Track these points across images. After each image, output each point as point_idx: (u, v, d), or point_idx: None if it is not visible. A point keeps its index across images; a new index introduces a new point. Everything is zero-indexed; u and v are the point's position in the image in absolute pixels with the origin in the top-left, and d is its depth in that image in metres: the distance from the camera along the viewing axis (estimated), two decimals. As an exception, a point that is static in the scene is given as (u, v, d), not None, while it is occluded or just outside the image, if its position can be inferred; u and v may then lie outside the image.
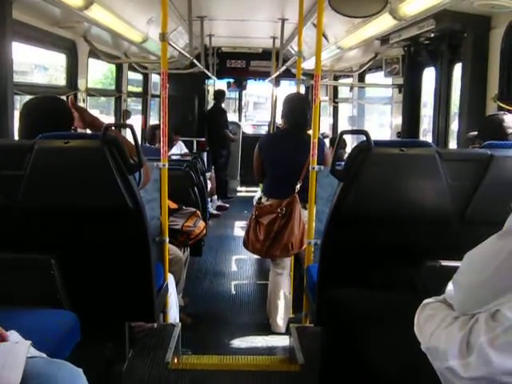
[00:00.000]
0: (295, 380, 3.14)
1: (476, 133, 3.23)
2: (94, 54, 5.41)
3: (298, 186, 3.99)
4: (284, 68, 7.55)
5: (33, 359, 1.53)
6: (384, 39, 5.10)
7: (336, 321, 2.25)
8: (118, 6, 4.34)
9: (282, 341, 4.11)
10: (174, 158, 6.26)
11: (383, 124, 8.26)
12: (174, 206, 4.30)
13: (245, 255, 6.43)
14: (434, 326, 1.55)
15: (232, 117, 11.11)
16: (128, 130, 2.59)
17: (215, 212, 8.71)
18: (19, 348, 1.53)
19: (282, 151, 4.15)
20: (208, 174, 7.46)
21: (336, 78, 8.71)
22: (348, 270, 2.63)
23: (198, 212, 4.58)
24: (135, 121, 7.72)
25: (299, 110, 4.18)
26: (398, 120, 5.84)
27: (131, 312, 2.75)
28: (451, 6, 3.49)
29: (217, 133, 9.49)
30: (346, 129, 7.80)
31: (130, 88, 7.34)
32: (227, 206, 9.40)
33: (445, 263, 2.26)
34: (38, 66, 5.93)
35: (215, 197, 9.03)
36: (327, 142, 5.75)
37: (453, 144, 4.74)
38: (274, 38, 8.23)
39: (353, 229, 2.58)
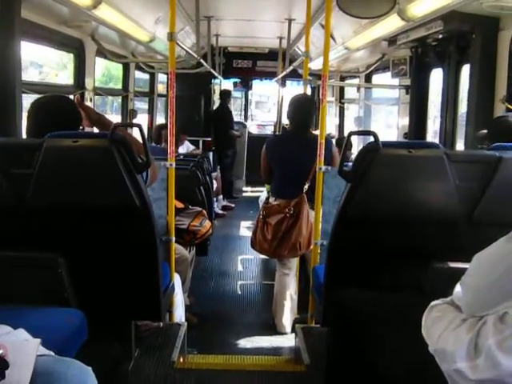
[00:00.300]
0: (301, 380, 3.14)
1: (485, 131, 3.22)
2: (102, 53, 5.43)
3: (306, 186, 3.99)
4: (291, 68, 7.55)
5: (42, 357, 1.53)
6: (391, 40, 5.09)
7: (342, 322, 2.24)
8: (125, 5, 4.35)
9: (288, 341, 4.11)
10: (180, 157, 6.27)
11: (390, 125, 8.25)
12: (180, 205, 4.30)
13: (250, 255, 6.44)
14: (441, 328, 1.55)
15: (236, 117, 11.08)
16: (135, 129, 2.59)
17: (221, 212, 8.71)
18: (29, 346, 1.54)
19: (288, 152, 4.16)
20: (214, 174, 7.46)
21: (342, 79, 8.70)
22: (355, 271, 2.63)
23: (204, 211, 4.59)
24: (139, 120, 7.71)
25: (305, 111, 4.19)
26: (405, 121, 5.83)
27: (137, 311, 2.76)
28: (460, 7, 3.48)
29: (223, 133, 9.49)
30: (353, 129, 7.79)
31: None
32: (233, 205, 9.39)
33: (452, 265, 2.26)
34: (32, 63, 5.91)
35: (221, 196, 9.03)
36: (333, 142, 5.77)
37: (460, 145, 4.73)
38: (281, 38, 8.24)
39: (360, 230, 2.58)
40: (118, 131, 2.36)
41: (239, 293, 5.38)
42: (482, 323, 1.42)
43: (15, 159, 2.36)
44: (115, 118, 6.73)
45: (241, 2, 5.98)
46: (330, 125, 8.54)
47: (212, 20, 6.85)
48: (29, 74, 5.89)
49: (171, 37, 3.33)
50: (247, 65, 10.78)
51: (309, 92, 6.32)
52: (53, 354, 1.63)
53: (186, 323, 3.53)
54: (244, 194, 10.69)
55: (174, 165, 3.36)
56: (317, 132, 3.62)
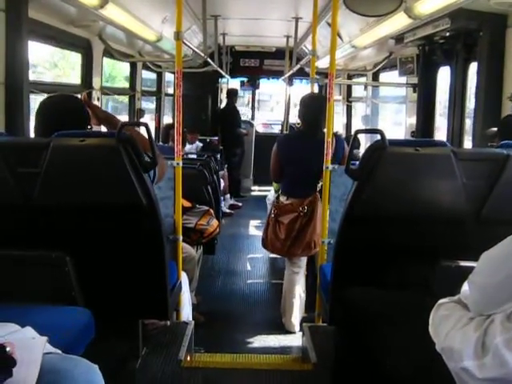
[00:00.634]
0: (308, 379, 3.14)
1: (495, 129, 3.20)
2: (109, 52, 5.44)
3: (320, 185, 3.98)
4: (298, 67, 7.54)
5: (49, 355, 1.54)
6: (398, 38, 5.07)
7: (349, 320, 2.24)
8: (132, 5, 4.36)
9: (295, 340, 4.11)
10: (190, 156, 6.29)
11: (397, 123, 8.22)
12: (187, 204, 4.31)
13: (258, 254, 6.44)
14: (449, 327, 1.54)
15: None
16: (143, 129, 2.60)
17: (228, 211, 8.72)
18: (36, 344, 1.54)
19: (301, 151, 4.14)
20: (221, 173, 7.47)
21: (350, 77, 8.68)
22: (362, 270, 2.62)
23: (212, 211, 4.59)
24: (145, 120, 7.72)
25: (317, 110, 4.16)
26: (412, 119, 5.81)
27: (145, 309, 2.76)
28: (467, 5, 3.46)
29: (230, 131, 9.50)
30: (360, 128, 7.77)
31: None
32: (240, 204, 9.40)
33: (460, 263, 2.25)
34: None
35: (228, 195, 9.04)
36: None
37: (468, 144, 4.71)
38: (288, 37, 8.23)
39: (367, 228, 2.57)
40: (125, 130, 2.37)
41: (247, 292, 5.38)
42: (490, 322, 1.42)
43: (22, 158, 2.37)
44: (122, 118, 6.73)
45: (247, 0, 5.98)
46: (337, 123, 8.53)
47: (219, 19, 6.85)
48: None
49: (178, 36, 3.33)
50: (254, 64, 10.78)
51: (316, 91, 6.30)
52: (60, 352, 1.63)
53: (193, 322, 3.53)
54: (252, 193, 10.70)
55: (180, 164, 3.37)
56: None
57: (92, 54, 5.07)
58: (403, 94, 6.49)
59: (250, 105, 11.97)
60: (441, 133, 5.46)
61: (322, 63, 6.72)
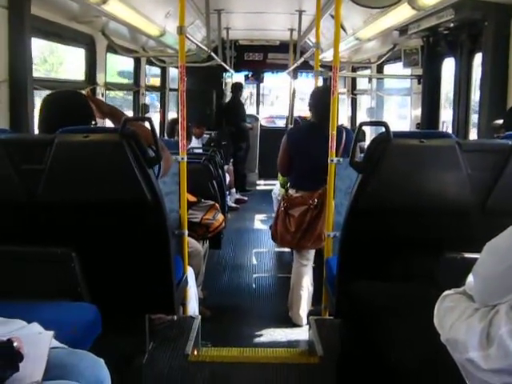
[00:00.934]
0: (314, 372, 3.14)
1: (501, 121, 3.18)
2: (112, 48, 5.44)
3: None
4: (302, 60, 7.52)
5: (55, 350, 1.55)
6: (402, 30, 5.04)
7: (355, 313, 2.24)
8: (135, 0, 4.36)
9: (301, 333, 4.12)
10: (196, 151, 6.29)
11: (402, 115, 8.19)
12: (192, 199, 4.31)
13: (264, 248, 6.45)
14: (454, 318, 1.54)
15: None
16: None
17: (234, 205, 8.72)
18: (42, 339, 1.55)
19: (312, 143, 4.13)
20: (226, 167, 7.47)
21: (354, 70, 8.64)
22: (367, 262, 2.62)
23: (217, 205, 4.60)
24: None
25: (328, 102, 4.15)
26: (417, 111, 5.78)
27: (151, 304, 2.77)
28: (471, -5, 3.45)
29: (235, 125, 9.49)
30: (365, 120, 7.75)
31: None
32: (246, 199, 9.39)
33: (465, 255, 2.25)
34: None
35: (233, 190, 9.04)
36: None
37: (473, 135, 4.69)
38: (292, 30, 8.21)
39: (372, 220, 2.57)
40: (128, 125, 2.37)
41: (253, 286, 5.39)
42: (495, 312, 1.41)
43: (27, 155, 2.37)
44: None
45: (251, -6, 5.97)
46: (342, 116, 8.50)
47: (222, 13, 6.84)
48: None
49: (181, 30, 3.33)
50: (258, 57, 10.76)
51: (320, 83, 6.27)
52: (66, 347, 1.64)
53: (199, 316, 3.54)
54: (257, 187, 10.69)
55: (185, 158, 3.37)
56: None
57: (95, 49, 5.06)
58: (408, 85, 6.46)
59: (249, 100, 11.94)
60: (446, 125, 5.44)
61: (326, 56, 6.70)
